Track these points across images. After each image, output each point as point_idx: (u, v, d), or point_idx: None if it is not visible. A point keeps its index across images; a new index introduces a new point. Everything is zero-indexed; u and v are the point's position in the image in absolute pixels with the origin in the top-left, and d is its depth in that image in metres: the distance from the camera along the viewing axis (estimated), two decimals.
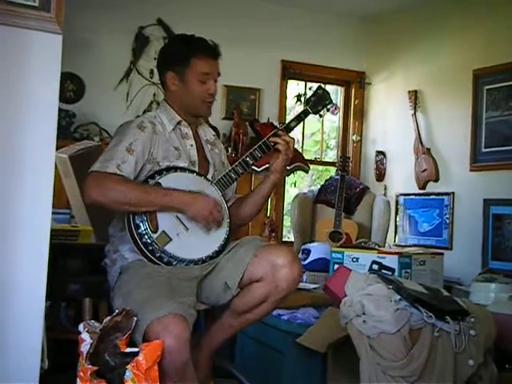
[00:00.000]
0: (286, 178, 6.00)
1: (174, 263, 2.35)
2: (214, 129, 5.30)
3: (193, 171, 2.49)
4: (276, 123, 5.43)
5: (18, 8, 1.81)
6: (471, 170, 5.16)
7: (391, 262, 3.22)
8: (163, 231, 2.35)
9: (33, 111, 1.86)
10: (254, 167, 4.22)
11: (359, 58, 6.40)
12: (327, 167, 6.72)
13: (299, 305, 3.40)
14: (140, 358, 1.96)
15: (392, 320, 2.54)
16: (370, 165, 6.30)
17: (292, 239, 5.33)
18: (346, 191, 5.06)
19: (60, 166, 2.85)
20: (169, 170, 2.42)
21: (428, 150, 5.55)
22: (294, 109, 6.19)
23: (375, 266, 3.24)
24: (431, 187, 5.55)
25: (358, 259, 3.32)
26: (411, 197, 5.74)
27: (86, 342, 2.02)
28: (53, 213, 1.93)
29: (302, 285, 3.79)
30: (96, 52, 5.26)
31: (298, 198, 5.28)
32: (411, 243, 5.57)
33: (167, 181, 2.39)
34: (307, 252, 4.27)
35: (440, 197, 5.44)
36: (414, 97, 5.67)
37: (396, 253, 3.33)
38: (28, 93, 1.85)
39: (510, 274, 3.95)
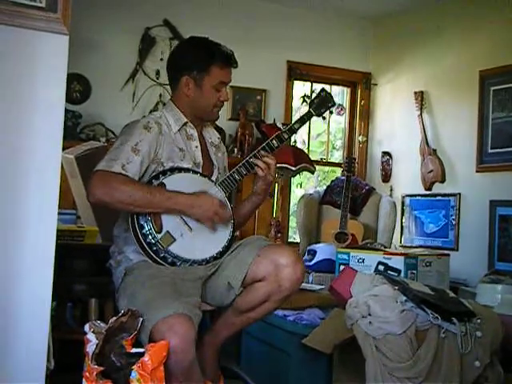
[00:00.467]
0: (292, 178, 6.00)
1: (178, 264, 2.35)
2: (220, 130, 5.31)
3: (197, 172, 2.49)
4: (279, 125, 5.42)
5: (24, 9, 1.82)
6: (477, 171, 5.15)
7: (397, 263, 3.22)
8: (167, 231, 2.34)
9: (39, 112, 1.86)
10: None
11: (365, 58, 6.39)
12: (333, 168, 6.71)
13: (305, 306, 3.40)
14: (146, 358, 1.96)
15: (398, 321, 2.54)
16: (376, 166, 6.29)
17: (298, 240, 5.33)
18: (352, 192, 5.05)
19: (66, 167, 2.85)
20: (173, 170, 2.42)
21: (434, 150, 5.54)
22: (299, 109, 6.18)
23: (381, 267, 3.24)
24: (437, 188, 5.54)
25: (363, 260, 3.32)
26: (417, 198, 5.73)
27: (92, 342, 2.02)
28: (59, 213, 1.93)
29: (307, 286, 3.79)
30: (102, 53, 5.27)
31: (304, 198, 5.27)
32: (417, 244, 5.57)
33: (171, 181, 2.38)
34: (313, 253, 4.26)
35: (446, 198, 5.42)
36: (420, 98, 5.66)
37: (402, 254, 3.32)
38: (34, 93, 1.86)
39: None
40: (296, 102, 6.22)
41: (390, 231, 5.06)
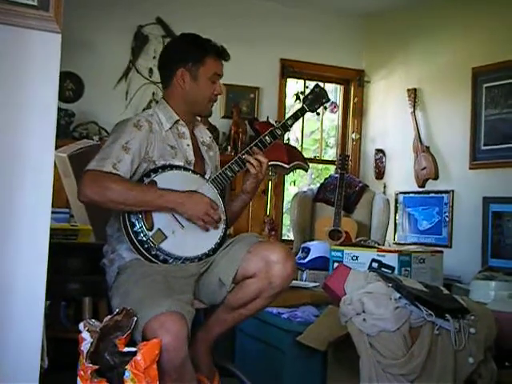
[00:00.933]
0: (286, 176, 6.00)
1: (170, 261, 2.35)
2: (214, 128, 5.31)
3: (188, 169, 2.49)
4: (273, 121, 5.42)
5: (16, 7, 1.80)
6: (470, 168, 5.16)
7: (391, 260, 3.23)
8: (159, 229, 2.34)
9: (32, 110, 1.85)
10: None
11: (358, 56, 6.40)
12: (326, 166, 6.73)
13: (299, 303, 3.40)
14: (138, 357, 1.95)
15: (392, 318, 2.54)
16: (370, 163, 6.30)
17: (292, 238, 5.33)
18: (346, 189, 5.06)
19: (59, 166, 2.85)
20: (164, 168, 2.41)
21: (427, 148, 5.55)
22: (293, 107, 6.18)
23: (375, 265, 3.24)
24: (431, 185, 5.55)
25: (357, 257, 3.33)
26: (411, 195, 5.74)
27: (87, 340, 2.01)
28: (52, 212, 1.92)
29: (301, 283, 3.80)
30: (95, 51, 5.26)
31: (298, 196, 5.28)
32: (411, 241, 5.58)
33: (163, 179, 2.38)
34: (307, 250, 4.27)
35: (439, 195, 5.44)
36: (414, 95, 5.67)
37: (396, 251, 3.33)
38: (27, 92, 1.85)
39: (510, 271, 3.94)
40: (289, 99, 6.22)
41: (383, 228, 5.07)
